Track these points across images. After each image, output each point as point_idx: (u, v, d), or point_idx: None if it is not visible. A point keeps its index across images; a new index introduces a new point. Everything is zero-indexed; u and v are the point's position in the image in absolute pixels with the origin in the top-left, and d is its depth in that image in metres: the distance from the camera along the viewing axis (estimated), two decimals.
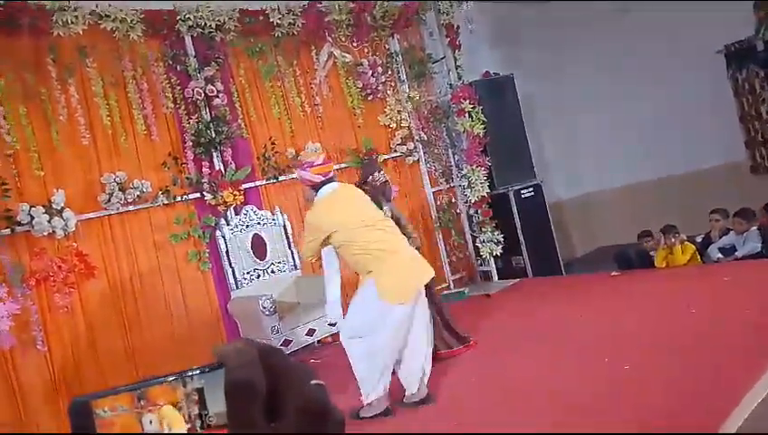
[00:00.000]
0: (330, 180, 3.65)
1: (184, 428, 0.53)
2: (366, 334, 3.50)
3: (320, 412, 0.56)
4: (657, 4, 7.36)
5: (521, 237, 6.76)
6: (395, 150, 6.67)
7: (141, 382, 0.54)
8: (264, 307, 4.67)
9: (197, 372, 0.55)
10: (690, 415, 2.77)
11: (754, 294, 4.26)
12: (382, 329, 3.45)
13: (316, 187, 3.62)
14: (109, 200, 4.68)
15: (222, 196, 5.17)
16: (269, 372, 0.54)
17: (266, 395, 0.53)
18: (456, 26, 6.74)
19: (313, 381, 0.57)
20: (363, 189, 4.04)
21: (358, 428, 3.44)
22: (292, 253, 5.57)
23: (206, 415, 0.54)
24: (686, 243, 5.76)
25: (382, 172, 4.37)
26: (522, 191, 6.86)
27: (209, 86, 5.22)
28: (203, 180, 5.16)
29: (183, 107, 5.19)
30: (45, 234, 4.33)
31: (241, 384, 0.53)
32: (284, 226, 5.55)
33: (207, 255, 5.16)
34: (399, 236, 3.64)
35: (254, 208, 5.44)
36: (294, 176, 5.78)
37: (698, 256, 5.78)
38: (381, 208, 3.96)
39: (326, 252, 3.77)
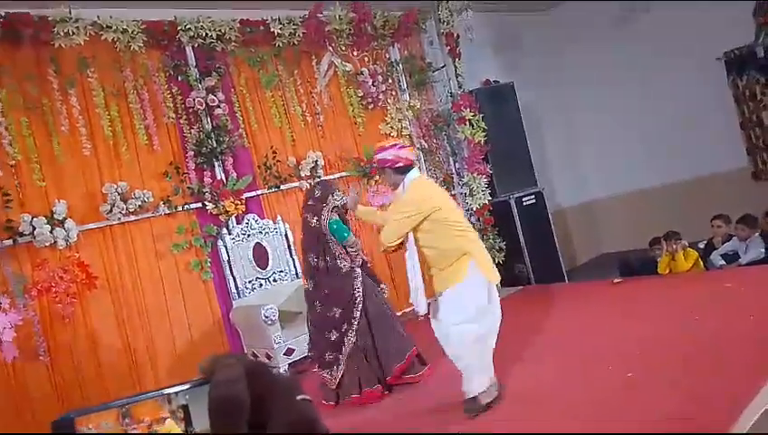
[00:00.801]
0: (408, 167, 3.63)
1: None
2: (478, 318, 3.44)
3: (306, 428, 0.55)
4: (658, 11, 7.39)
5: (523, 245, 6.75)
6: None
7: (126, 399, 0.53)
8: (266, 316, 4.66)
9: (182, 388, 0.54)
10: (694, 422, 2.75)
11: (757, 301, 4.24)
12: (490, 309, 3.49)
13: (407, 167, 3.59)
14: (110, 210, 4.68)
15: (223, 205, 5.17)
16: (255, 387, 0.53)
17: (252, 411, 0.52)
18: (456, 35, 6.77)
19: (300, 397, 0.56)
20: (319, 207, 4.14)
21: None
22: (294, 262, 5.56)
23: (191, 432, 0.53)
24: (689, 249, 5.74)
25: (340, 193, 4.26)
26: (523, 199, 6.86)
27: (210, 96, 5.23)
28: (204, 190, 5.17)
29: (184, 117, 5.20)
30: (47, 244, 4.33)
31: (225, 401, 0.51)
32: (286, 235, 5.55)
33: (209, 264, 5.16)
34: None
35: (256, 218, 5.44)
36: (296, 184, 5.79)
37: (701, 263, 5.76)
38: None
39: (411, 241, 3.67)
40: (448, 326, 3.47)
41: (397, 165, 3.57)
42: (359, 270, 4.17)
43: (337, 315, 4.07)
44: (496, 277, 3.54)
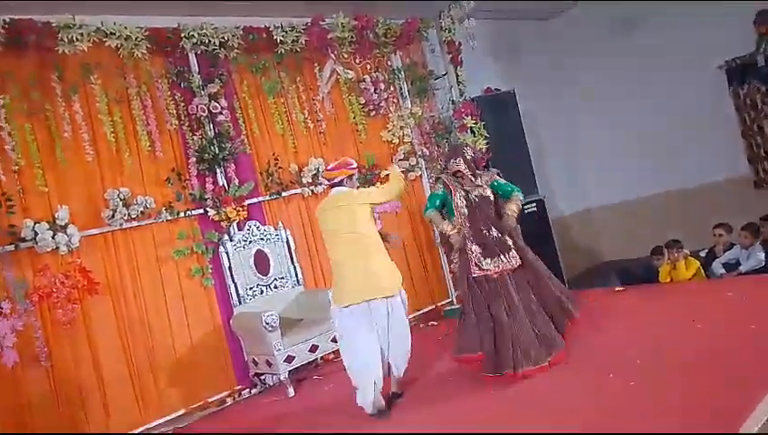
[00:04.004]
0: (337, 184, 4.09)
1: None
2: (343, 337, 4.04)
3: None
4: (658, 20, 7.41)
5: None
6: (396, 165, 6.67)
7: None
8: (267, 323, 4.65)
9: None
10: (696, 431, 2.74)
11: (759, 309, 4.24)
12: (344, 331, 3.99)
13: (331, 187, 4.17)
14: (112, 216, 4.68)
15: (225, 211, 5.17)
16: None
17: None
18: (457, 43, 6.80)
19: None
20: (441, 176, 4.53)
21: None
22: (295, 268, 5.56)
23: None
24: (690, 258, 5.74)
25: (457, 160, 4.47)
26: (524, 206, 6.83)
27: (213, 103, 5.24)
28: (206, 196, 5.17)
29: (187, 123, 5.21)
30: (49, 250, 4.32)
31: None
32: (287, 241, 5.55)
33: (210, 270, 5.15)
34: (354, 251, 3.94)
35: (258, 224, 5.44)
36: (298, 191, 5.81)
37: (702, 272, 5.76)
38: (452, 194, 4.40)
39: None
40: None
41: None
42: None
43: None
44: (345, 300, 3.94)
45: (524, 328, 4.02)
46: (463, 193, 4.36)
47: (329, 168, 4.20)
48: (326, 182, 4.16)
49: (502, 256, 4.26)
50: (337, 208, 4.00)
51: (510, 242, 4.35)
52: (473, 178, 4.39)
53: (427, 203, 4.56)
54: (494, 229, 4.33)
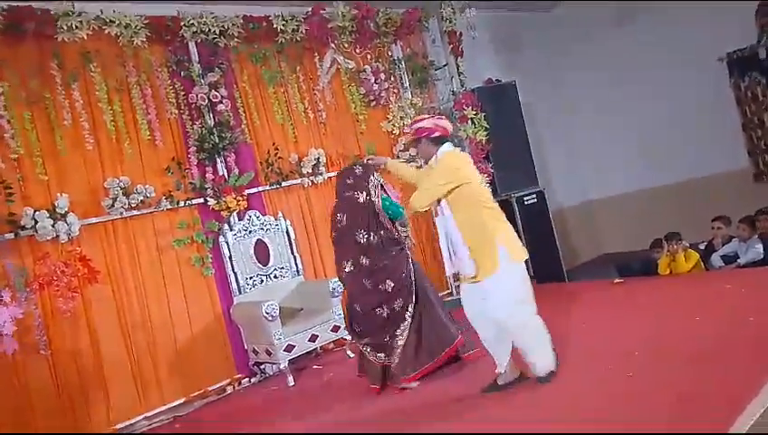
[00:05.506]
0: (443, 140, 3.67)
1: None
2: (525, 300, 3.56)
3: None
4: (659, 12, 7.39)
5: (524, 244, 6.73)
6: (398, 157, 6.67)
7: None
8: (267, 313, 4.66)
9: None
10: (694, 422, 2.76)
11: (758, 302, 4.25)
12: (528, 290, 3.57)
13: (442, 139, 3.64)
14: (112, 205, 4.68)
15: (225, 201, 5.17)
16: None
17: None
18: (458, 33, 6.77)
19: None
20: (363, 184, 4.17)
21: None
22: (295, 258, 5.57)
23: None
24: (690, 250, 5.75)
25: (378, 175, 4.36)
26: (524, 198, 6.86)
27: (213, 92, 5.23)
28: (206, 186, 5.17)
29: (187, 112, 5.20)
30: (49, 238, 4.33)
31: None
32: (287, 231, 5.55)
33: (210, 260, 5.16)
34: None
35: (258, 214, 5.44)
36: (297, 181, 5.80)
37: (702, 264, 5.77)
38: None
39: (441, 210, 3.64)
40: (505, 314, 3.48)
41: (433, 134, 3.62)
42: (406, 250, 4.21)
43: (389, 289, 4.05)
44: (524, 255, 3.60)
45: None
46: None
47: (441, 116, 3.85)
48: (451, 128, 3.73)
49: None
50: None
51: None
52: None
53: (396, 207, 4.29)
54: None
